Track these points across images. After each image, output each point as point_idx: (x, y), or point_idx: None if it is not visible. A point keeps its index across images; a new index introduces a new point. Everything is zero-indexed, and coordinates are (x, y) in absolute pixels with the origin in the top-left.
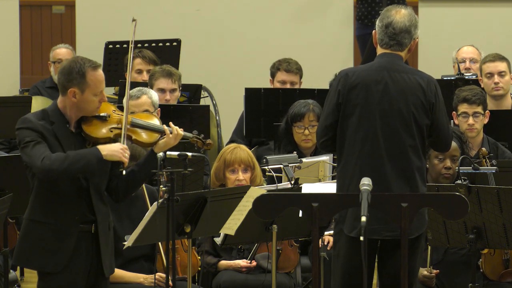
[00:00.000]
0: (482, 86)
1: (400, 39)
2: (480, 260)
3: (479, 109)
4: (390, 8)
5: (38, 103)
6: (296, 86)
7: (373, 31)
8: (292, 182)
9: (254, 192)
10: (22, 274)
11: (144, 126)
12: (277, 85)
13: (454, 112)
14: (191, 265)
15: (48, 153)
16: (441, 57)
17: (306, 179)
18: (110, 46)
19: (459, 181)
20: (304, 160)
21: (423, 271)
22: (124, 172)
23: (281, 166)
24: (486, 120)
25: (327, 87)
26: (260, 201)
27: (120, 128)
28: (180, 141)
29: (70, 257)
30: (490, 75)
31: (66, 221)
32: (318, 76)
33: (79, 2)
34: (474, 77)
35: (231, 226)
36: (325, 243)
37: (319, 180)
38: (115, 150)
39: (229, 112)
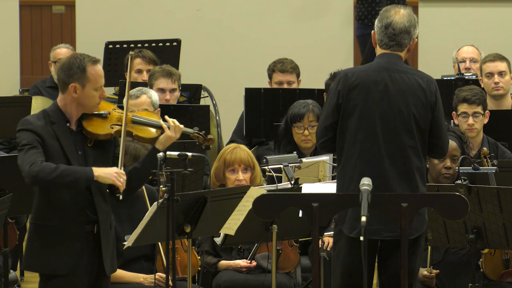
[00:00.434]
0: (482, 86)
1: (400, 39)
2: (480, 260)
3: (479, 109)
4: (389, 9)
5: (38, 103)
6: (294, 85)
7: (372, 31)
8: (292, 182)
9: (254, 192)
10: (22, 274)
11: (144, 123)
12: (275, 87)
13: (454, 112)
14: (191, 265)
15: (38, 160)
16: (441, 57)
17: (306, 179)
18: (110, 46)
19: (459, 181)
20: (304, 160)
21: (423, 271)
22: (121, 197)
23: (281, 166)
24: (486, 120)
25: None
26: (260, 201)
27: (121, 125)
28: (181, 141)
29: (78, 258)
30: (490, 75)
31: (71, 222)
32: (318, 76)
33: (79, 2)
34: (474, 77)
35: (231, 226)
36: (325, 244)
37: (319, 180)
38: (109, 173)
39: (229, 112)
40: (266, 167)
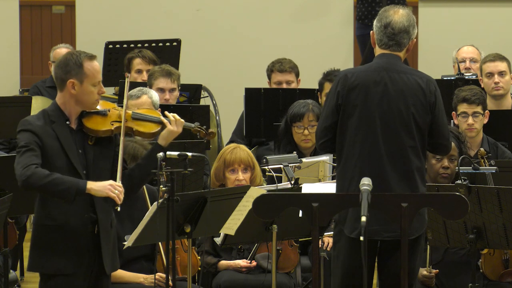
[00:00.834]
0: (482, 86)
1: (399, 39)
2: (480, 260)
3: (479, 109)
4: (388, 9)
5: (38, 103)
6: (293, 85)
7: (371, 31)
8: (292, 182)
9: (254, 192)
10: (22, 274)
11: (145, 118)
12: (274, 87)
13: (454, 112)
14: (191, 265)
15: (33, 164)
16: (441, 57)
17: (306, 179)
18: (110, 46)
19: (459, 181)
20: (304, 160)
21: (423, 271)
22: (119, 209)
23: (281, 166)
24: (485, 120)
25: None
26: (260, 201)
27: (121, 122)
28: (180, 141)
29: (80, 257)
30: (490, 75)
31: (74, 221)
32: (318, 76)
33: (79, 2)
34: (474, 77)
35: (231, 226)
36: (325, 244)
37: (319, 180)
38: (102, 186)
39: (229, 112)
40: (266, 167)
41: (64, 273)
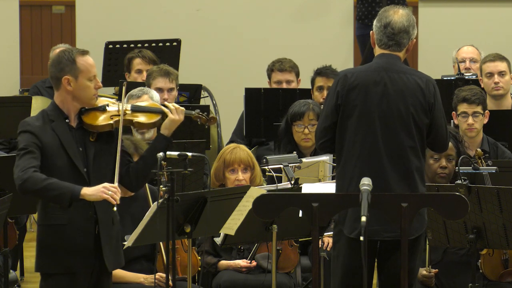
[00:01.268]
0: (482, 86)
1: (399, 39)
2: (479, 260)
3: (479, 109)
4: (387, 9)
5: (38, 103)
6: (293, 84)
7: (371, 32)
8: (292, 182)
9: (254, 192)
10: (22, 274)
11: (144, 109)
12: (274, 86)
13: (454, 112)
14: (191, 265)
15: (31, 167)
16: (441, 57)
17: (306, 179)
18: (110, 46)
19: (459, 181)
20: (304, 160)
21: (422, 271)
22: (115, 209)
23: (281, 166)
24: (485, 120)
25: None
26: (260, 201)
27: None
28: (180, 141)
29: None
30: (490, 75)
31: (77, 220)
32: None
33: (79, 2)
34: (474, 77)
35: (231, 226)
36: (325, 244)
37: (319, 180)
38: (96, 190)
39: (229, 112)
40: (266, 167)
41: (71, 272)
